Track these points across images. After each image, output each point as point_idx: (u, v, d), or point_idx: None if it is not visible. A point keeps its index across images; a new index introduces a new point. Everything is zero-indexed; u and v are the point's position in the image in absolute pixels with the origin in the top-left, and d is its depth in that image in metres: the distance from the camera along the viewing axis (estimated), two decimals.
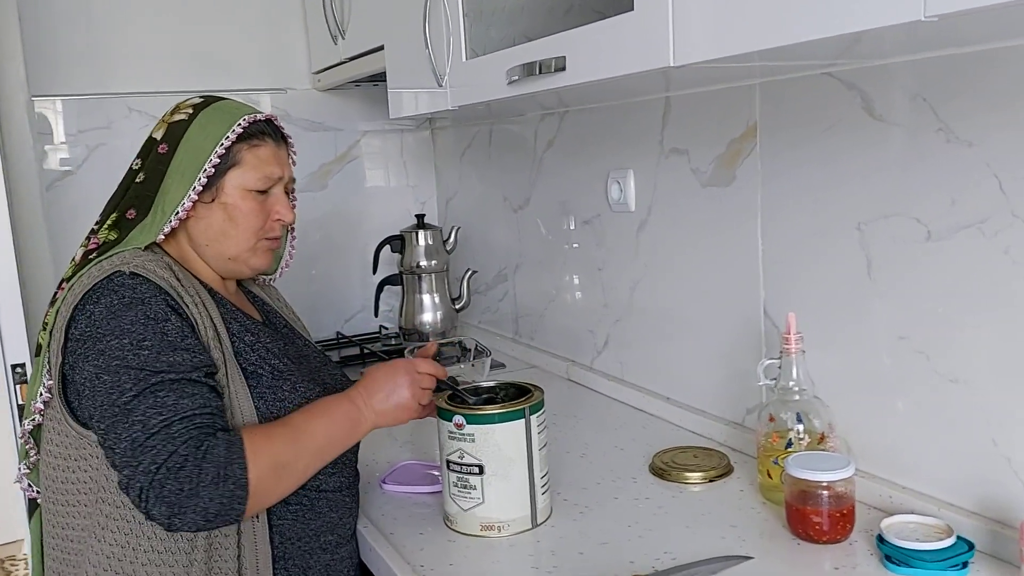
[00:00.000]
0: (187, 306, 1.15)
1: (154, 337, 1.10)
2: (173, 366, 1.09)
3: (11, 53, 2.20)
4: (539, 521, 1.28)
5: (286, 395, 1.21)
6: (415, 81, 1.75)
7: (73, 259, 1.24)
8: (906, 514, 1.17)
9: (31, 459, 1.24)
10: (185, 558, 1.13)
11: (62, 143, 2.28)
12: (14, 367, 1.93)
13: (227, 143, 1.22)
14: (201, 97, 1.29)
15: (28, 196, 2.22)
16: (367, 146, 2.61)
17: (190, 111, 1.26)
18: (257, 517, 1.17)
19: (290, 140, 1.34)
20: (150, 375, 1.07)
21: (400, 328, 2.36)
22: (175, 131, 1.24)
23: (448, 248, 2.33)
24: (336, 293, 2.59)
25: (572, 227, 1.97)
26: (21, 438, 1.23)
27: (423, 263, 2.30)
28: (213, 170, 1.22)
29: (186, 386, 1.08)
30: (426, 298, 2.31)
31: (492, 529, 1.26)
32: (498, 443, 1.24)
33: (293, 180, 1.35)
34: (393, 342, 2.41)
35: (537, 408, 1.28)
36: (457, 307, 2.33)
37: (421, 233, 2.30)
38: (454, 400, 1.28)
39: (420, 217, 2.34)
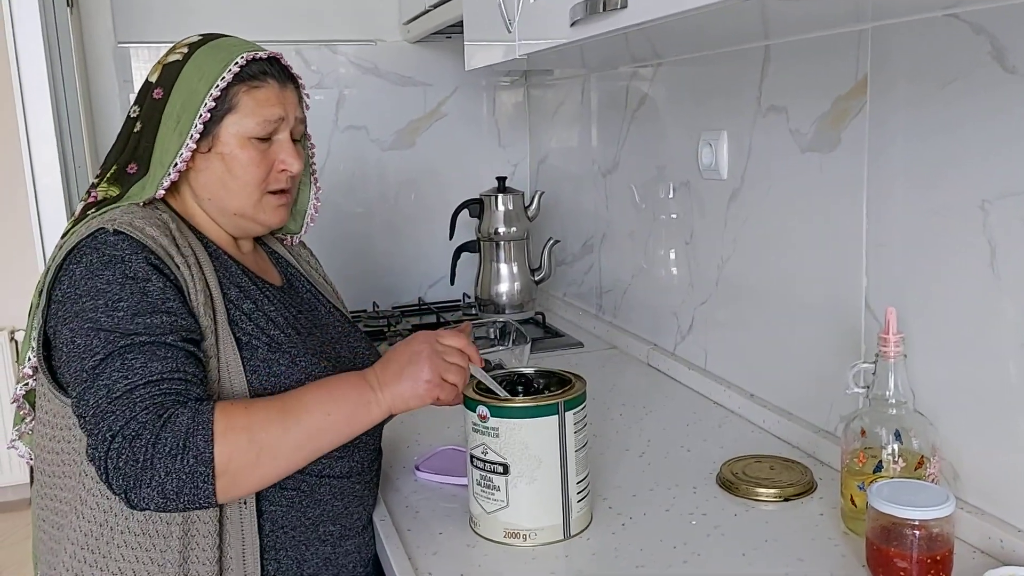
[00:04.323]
0: (176, 267, 1.04)
1: (131, 297, 0.99)
2: (148, 328, 0.98)
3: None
4: (573, 532, 1.11)
5: (282, 369, 1.08)
6: (489, 29, 1.58)
7: (73, 214, 1.14)
8: (1020, 566, 0.93)
9: (27, 424, 1.16)
10: (163, 542, 1.02)
11: None
12: None
13: (223, 84, 1.10)
14: (200, 35, 1.17)
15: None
16: (458, 103, 2.46)
17: (185, 51, 1.14)
18: (244, 501, 1.05)
19: (300, 81, 1.20)
20: (120, 337, 0.97)
21: (476, 298, 2.21)
22: (169, 73, 1.13)
23: (530, 215, 2.15)
24: (420, 257, 2.46)
25: (661, 196, 1.77)
26: (14, 402, 1.15)
27: (502, 230, 2.13)
28: (209, 115, 1.09)
29: (159, 349, 0.97)
30: (503, 267, 2.14)
31: (517, 537, 1.10)
32: (525, 441, 1.07)
33: (303, 123, 1.20)
34: (473, 312, 2.26)
35: (575, 403, 1.10)
36: (537, 278, 2.15)
37: (501, 197, 2.13)
38: (483, 388, 1.12)
39: (501, 180, 2.17)
